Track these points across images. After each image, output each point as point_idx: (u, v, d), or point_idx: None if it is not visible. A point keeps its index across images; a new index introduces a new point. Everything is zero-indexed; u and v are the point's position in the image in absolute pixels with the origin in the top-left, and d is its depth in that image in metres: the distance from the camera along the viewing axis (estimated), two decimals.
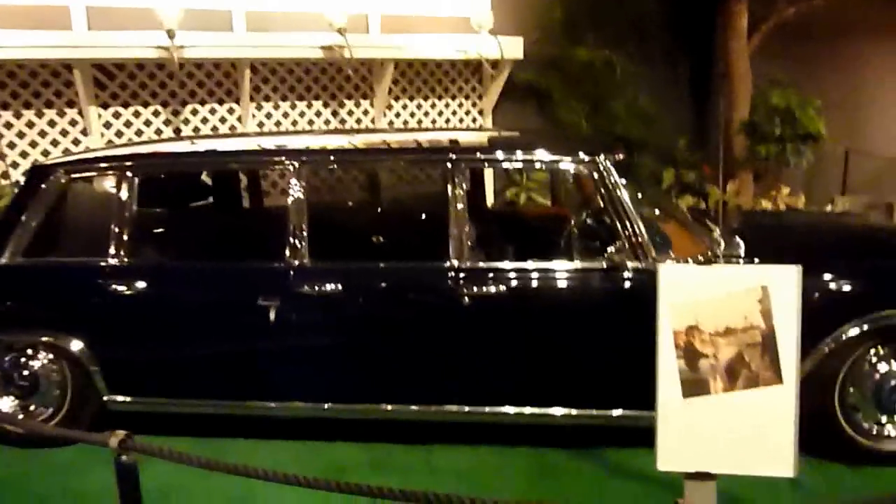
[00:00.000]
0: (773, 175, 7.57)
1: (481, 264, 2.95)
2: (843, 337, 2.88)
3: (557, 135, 3.83)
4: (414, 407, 3.03)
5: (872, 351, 3.00)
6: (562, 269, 2.98)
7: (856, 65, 9.46)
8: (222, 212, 4.05)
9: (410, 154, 3.21)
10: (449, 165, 3.00)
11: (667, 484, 2.54)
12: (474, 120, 6.92)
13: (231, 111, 5.86)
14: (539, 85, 6.97)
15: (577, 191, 3.10)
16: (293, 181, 3.07)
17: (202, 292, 3.21)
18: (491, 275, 2.94)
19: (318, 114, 6.20)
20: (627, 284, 2.92)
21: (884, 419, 3.06)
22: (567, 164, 3.04)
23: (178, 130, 5.67)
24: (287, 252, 3.06)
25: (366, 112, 6.39)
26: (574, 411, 3.02)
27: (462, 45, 6.10)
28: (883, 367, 3.03)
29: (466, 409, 3.03)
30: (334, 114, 6.28)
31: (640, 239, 2.92)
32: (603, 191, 2.97)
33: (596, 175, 2.98)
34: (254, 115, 5.91)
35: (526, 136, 3.56)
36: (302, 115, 6.14)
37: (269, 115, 6.03)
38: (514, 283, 2.94)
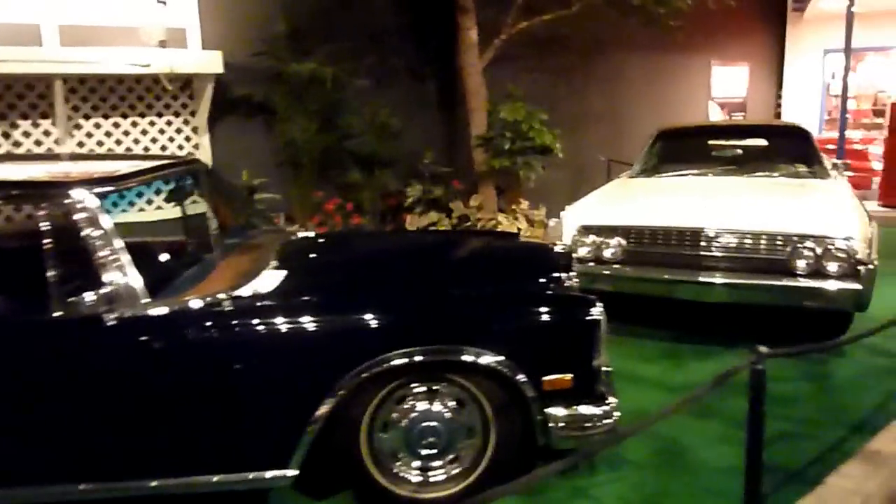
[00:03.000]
0: (514, 188, 7.49)
1: None
2: (365, 376, 2.57)
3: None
4: None
5: (402, 391, 2.72)
6: (26, 324, 2.51)
7: (614, 78, 9.71)
8: None
9: None
10: None
11: None
12: (188, 139, 6.38)
13: None
14: (261, 100, 6.53)
15: (61, 228, 2.61)
16: None
17: None
18: None
19: None
20: (109, 336, 2.49)
21: (419, 464, 2.78)
22: (37, 199, 2.57)
23: None
24: None
25: (47, 133, 5.70)
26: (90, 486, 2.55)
27: (146, 58, 5.54)
28: (421, 407, 2.75)
29: None
30: (5, 135, 5.56)
31: (122, 283, 2.49)
32: (80, 228, 2.52)
33: (72, 211, 2.53)
34: None
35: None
36: None
37: None
38: None
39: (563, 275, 3.19)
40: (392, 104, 7.36)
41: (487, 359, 2.63)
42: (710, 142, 6.19)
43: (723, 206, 4.53)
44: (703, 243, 4.35)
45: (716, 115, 10.88)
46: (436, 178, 7.63)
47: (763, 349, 2.12)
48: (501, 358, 2.64)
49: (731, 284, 4.26)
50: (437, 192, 7.48)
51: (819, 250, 4.13)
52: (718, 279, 4.29)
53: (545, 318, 2.75)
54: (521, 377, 2.66)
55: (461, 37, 7.14)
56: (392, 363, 2.58)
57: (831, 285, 4.09)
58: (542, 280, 3.04)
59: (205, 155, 6.40)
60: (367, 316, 2.65)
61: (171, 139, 6.28)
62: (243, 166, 6.58)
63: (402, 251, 3.53)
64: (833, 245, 4.10)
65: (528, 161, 7.07)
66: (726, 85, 10.94)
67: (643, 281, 4.51)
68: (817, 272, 4.14)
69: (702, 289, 4.34)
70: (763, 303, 4.35)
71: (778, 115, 11.72)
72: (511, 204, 7.51)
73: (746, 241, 4.28)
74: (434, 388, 2.73)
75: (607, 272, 4.58)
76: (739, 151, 6.01)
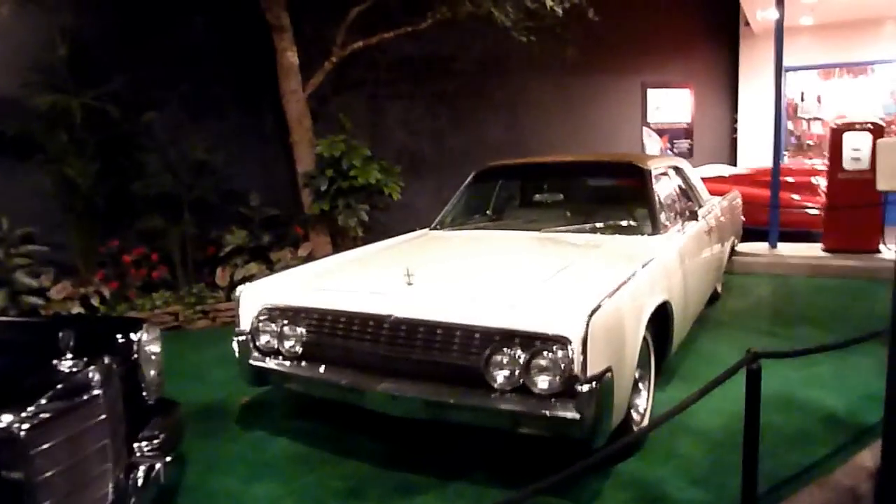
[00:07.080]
0: (346, 236, 6.22)
1: None
2: None
3: None
4: None
5: None
6: None
7: (517, 104, 8.35)
8: None
9: None
10: None
11: None
12: None
13: None
14: (22, 136, 5.50)
15: None
16: None
17: None
18: None
19: None
20: None
21: None
22: None
23: None
24: None
25: None
26: None
27: None
28: None
29: None
30: None
31: None
32: None
33: None
34: None
35: None
36: None
37: None
38: None
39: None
40: (215, 138, 6.25)
41: None
42: (530, 184, 4.82)
43: (429, 284, 3.17)
44: (384, 336, 3.02)
45: (652, 143, 9.37)
46: (267, 223, 6.47)
47: None
48: None
49: (418, 399, 2.91)
50: (266, 239, 6.31)
51: (524, 356, 2.74)
52: (404, 389, 2.94)
53: None
54: None
55: (279, 60, 5.98)
56: None
57: (536, 408, 2.70)
58: None
59: None
60: None
61: None
62: (11, 212, 5.57)
63: None
64: (543, 349, 2.71)
65: (348, 204, 5.81)
66: (666, 109, 9.42)
67: (321, 384, 3.20)
68: (523, 387, 2.75)
69: (387, 401, 3.00)
70: (470, 423, 2.96)
71: (734, 142, 10.10)
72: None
73: (437, 336, 2.92)
74: None
75: (282, 370, 3.30)
76: (560, 196, 4.62)
